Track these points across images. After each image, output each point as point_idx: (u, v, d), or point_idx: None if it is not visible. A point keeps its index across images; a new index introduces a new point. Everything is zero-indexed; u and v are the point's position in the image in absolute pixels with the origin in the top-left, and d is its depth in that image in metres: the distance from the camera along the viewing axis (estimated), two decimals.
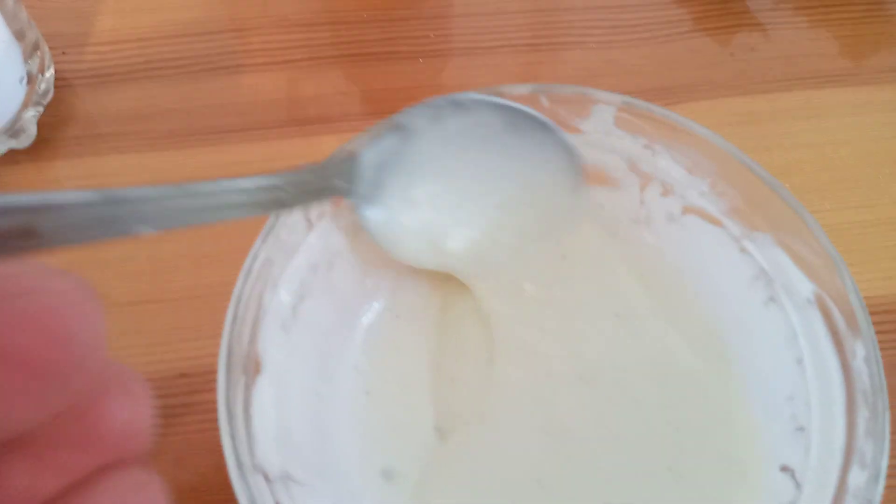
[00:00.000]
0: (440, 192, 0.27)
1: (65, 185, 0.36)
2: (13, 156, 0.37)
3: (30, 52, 0.36)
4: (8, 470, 0.12)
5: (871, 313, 0.34)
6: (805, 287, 0.27)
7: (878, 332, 0.34)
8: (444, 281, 0.30)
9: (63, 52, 0.40)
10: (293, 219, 0.26)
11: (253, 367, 0.25)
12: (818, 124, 0.39)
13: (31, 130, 0.37)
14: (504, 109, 0.27)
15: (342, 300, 0.29)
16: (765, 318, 0.28)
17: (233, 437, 0.22)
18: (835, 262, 0.25)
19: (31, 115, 0.37)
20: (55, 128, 0.38)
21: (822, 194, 0.37)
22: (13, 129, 0.36)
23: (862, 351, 0.25)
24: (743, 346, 0.29)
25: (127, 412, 0.13)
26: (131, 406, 0.13)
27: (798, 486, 0.25)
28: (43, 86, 0.37)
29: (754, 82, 0.40)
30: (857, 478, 0.23)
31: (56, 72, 0.39)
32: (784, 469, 0.26)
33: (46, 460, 0.12)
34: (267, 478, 0.23)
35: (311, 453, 0.26)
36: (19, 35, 0.35)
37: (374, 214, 0.26)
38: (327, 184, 0.24)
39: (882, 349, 0.33)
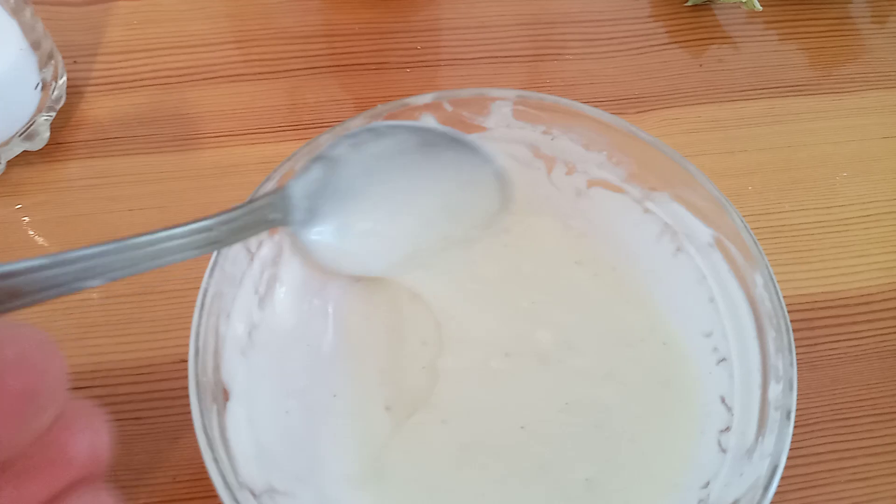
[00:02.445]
0: (369, 210, 0.30)
1: (76, 184, 0.39)
2: (27, 157, 0.39)
3: (45, 61, 0.39)
4: None
5: (828, 307, 0.37)
6: (704, 233, 0.30)
7: (833, 326, 0.36)
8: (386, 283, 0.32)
9: (75, 62, 0.43)
10: (234, 252, 0.28)
11: (222, 395, 0.26)
12: (780, 129, 0.41)
13: (45, 134, 0.40)
14: (416, 130, 0.29)
15: (292, 320, 0.31)
16: (676, 266, 0.31)
17: (216, 460, 0.24)
18: (723, 205, 0.28)
19: (45, 119, 0.39)
20: (67, 132, 0.41)
21: (783, 195, 0.39)
22: (28, 133, 0.39)
23: (760, 280, 0.27)
24: (662, 295, 0.32)
25: (89, 438, 0.16)
26: (93, 433, 0.16)
27: (730, 410, 0.28)
28: (56, 92, 0.40)
29: (721, 91, 0.43)
30: (774, 391, 0.26)
31: (68, 79, 0.42)
32: (722, 400, 0.29)
33: (25, 481, 0.15)
34: (253, 493, 0.25)
35: (288, 463, 0.27)
36: (35, 45, 0.38)
37: (311, 237, 0.28)
38: (260, 218, 0.26)
39: (836, 341, 0.36)
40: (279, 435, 0.28)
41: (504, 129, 0.32)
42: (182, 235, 0.22)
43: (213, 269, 0.27)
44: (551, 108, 0.31)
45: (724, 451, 0.27)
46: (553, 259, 0.33)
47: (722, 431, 0.28)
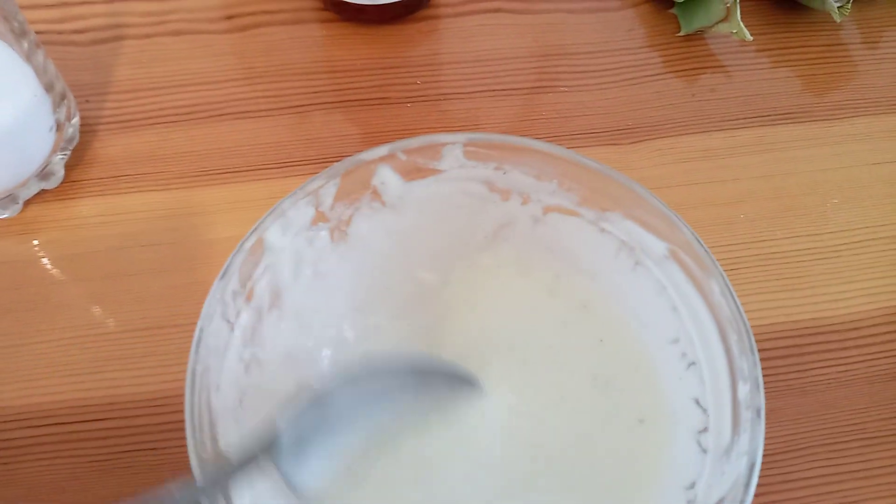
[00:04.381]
0: (354, 444, 0.30)
1: (89, 221, 0.40)
2: (43, 196, 0.41)
3: (58, 102, 0.40)
4: None
5: (818, 333, 0.38)
6: (659, 246, 0.31)
7: (823, 352, 0.37)
8: None
9: (87, 101, 0.44)
10: (216, 325, 0.29)
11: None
12: (771, 157, 0.42)
13: (60, 173, 0.41)
14: (409, 371, 0.30)
15: (278, 380, 0.32)
16: (636, 280, 0.33)
17: None
18: (673, 220, 0.30)
19: (59, 158, 0.41)
20: (80, 170, 0.42)
21: (774, 223, 0.40)
22: (43, 173, 0.40)
23: (716, 287, 0.29)
24: (626, 309, 0.33)
25: None
26: None
27: (705, 411, 0.30)
28: (70, 131, 0.41)
29: (713, 121, 0.44)
30: (742, 391, 0.28)
31: (81, 118, 0.43)
32: (697, 402, 0.30)
33: None
34: None
35: None
36: (49, 87, 0.40)
37: (296, 475, 0.28)
38: (250, 465, 0.26)
39: (826, 367, 0.37)
40: (283, 495, 0.28)
41: (458, 170, 0.33)
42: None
43: (198, 346, 0.28)
44: (499, 146, 0.32)
45: (704, 451, 0.29)
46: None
47: (700, 432, 0.29)
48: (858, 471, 0.34)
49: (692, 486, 0.28)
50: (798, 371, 0.36)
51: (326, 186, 0.32)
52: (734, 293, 0.28)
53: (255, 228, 0.30)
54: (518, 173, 0.33)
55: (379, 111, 0.44)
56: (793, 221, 0.41)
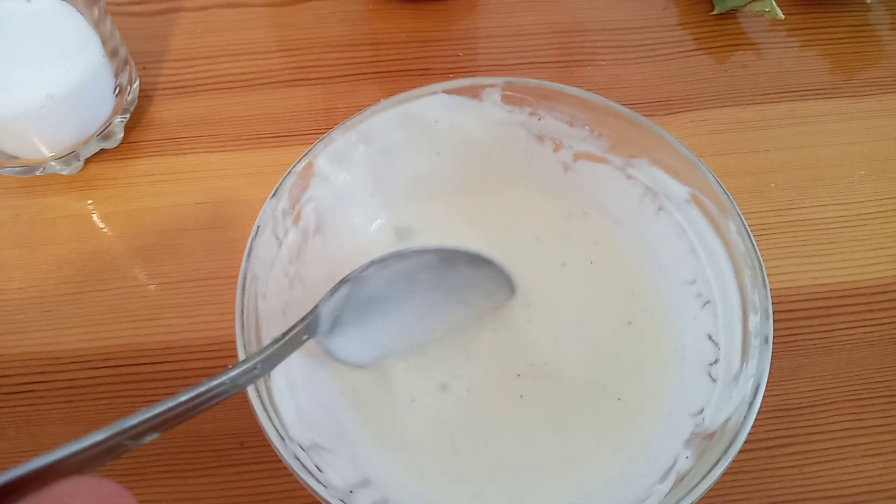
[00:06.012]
0: (386, 318, 0.33)
1: (146, 179, 0.43)
2: (103, 155, 0.43)
3: (121, 67, 0.43)
4: None
5: (845, 296, 0.39)
6: (681, 191, 0.33)
7: (850, 313, 0.39)
8: None
9: (144, 67, 0.47)
10: (265, 239, 0.31)
11: None
12: (800, 130, 0.44)
13: (119, 134, 0.43)
14: (437, 251, 0.32)
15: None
16: (658, 225, 0.35)
17: (270, 419, 0.27)
18: (695, 164, 0.32)
19: (119, 120, 0.43)
20: (138, 132, 0.44)
21: (803, 192, 0.42)
22: (104, 133, 0.42)
23: (733, 226, 0.31)
24: (647, 254, 0.35)
25: None
26: None
27: (716, 345, 0.31)
28: (130, 96, 0.44)
29: (745, 95, 0.45)
30: (753, 321, 0.29)
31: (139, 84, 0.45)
32: (709, 337, 0.32)
33: None
34: (301, 448, 0.28)
35: (326, 425, 0.31)
36: (113, 53, 0.42)
37: (332, 344, 0.31)
38: (294, 344, 0.28)
39: (852, 327, 0.38)
40: (317, 401, 0.31)
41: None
42: (226, 381, 0.25)
43: (249, 256, 0.30)
44: (534, 91, 0.34)
45: (714, 380, 0.31)
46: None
47: (711, 364, 0.31)
48: (882, 425, 0.36)
49: (700, 411, 0.30)
50: (825, 331, 0.38)
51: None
52: (749, 231, 0.30)
53: (306, 154, 0.32)
54: (552, 119, 0.35)
55: (422, 82, 0.45)
56: (821, 191, 0.42)
